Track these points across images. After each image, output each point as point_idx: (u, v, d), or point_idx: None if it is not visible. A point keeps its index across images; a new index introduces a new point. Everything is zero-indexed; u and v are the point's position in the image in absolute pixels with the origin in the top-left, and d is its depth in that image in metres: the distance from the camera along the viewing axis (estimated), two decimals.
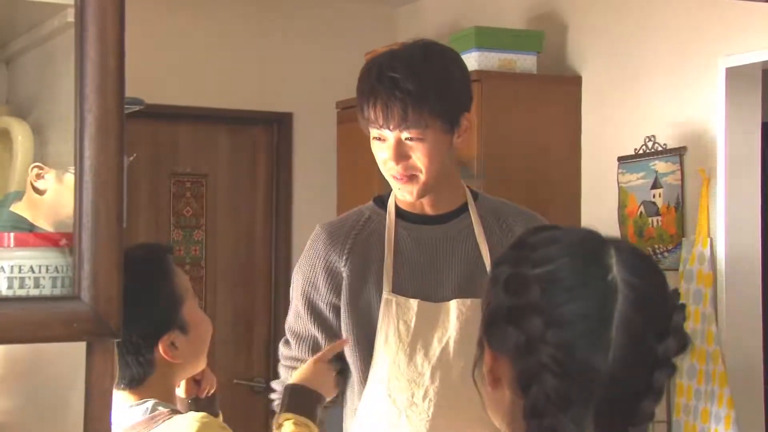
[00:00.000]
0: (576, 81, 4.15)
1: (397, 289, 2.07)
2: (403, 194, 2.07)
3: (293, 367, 2.13)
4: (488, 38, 4.05)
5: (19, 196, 1.16)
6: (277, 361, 5.68)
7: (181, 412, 1.78)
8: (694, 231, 3.58)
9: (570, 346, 1.11)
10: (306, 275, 2.16)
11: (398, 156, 2.01)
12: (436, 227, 2.11)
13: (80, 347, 1.06)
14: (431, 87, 1.97)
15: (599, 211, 4.00)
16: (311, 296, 2.14)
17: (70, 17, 1.07)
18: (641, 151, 3.82)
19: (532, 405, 1.11)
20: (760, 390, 3.53)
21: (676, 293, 1.18)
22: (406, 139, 2.01)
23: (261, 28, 4.95)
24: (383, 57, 2.03)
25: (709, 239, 3.50)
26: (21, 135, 1.17)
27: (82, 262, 1.04)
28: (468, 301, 2.05)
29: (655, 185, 3.76)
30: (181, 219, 4.92)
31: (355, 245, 2.11)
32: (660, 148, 3.75)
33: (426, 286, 2.09)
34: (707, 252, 3.49)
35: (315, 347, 2.12)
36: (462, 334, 2.03)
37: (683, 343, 1.15)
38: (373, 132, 2.05)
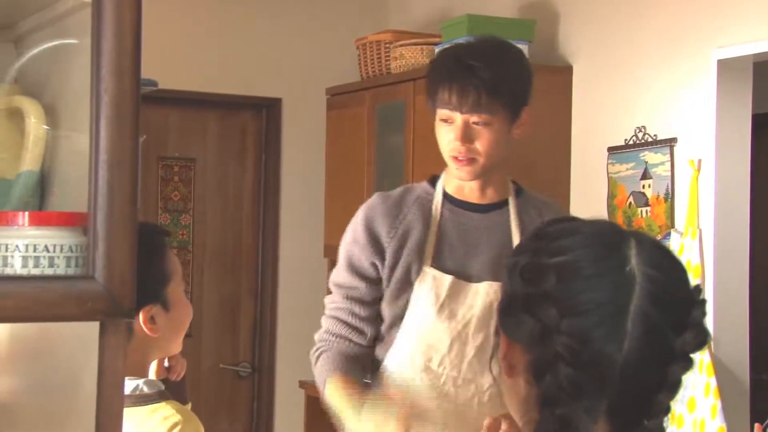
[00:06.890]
0: (567, 71, 4.16)
1: (435, 264, 2.26)
2: (459, 173, 2.24)
3: (336, 317, 2.32)
4: (480, 26, 4.05)
5: (32, 176, 1.16)
6: (262, 346, 5.65)
7: (167, 396, 1.81)
8: (683, 222, 3.60)
9: (584, 336, 1.10)
10: (354, 237, 2.33)
11: (464, 138, 2.19)
12: (477, 215, 2.30)
13: (92, 327, 1.06)
14: (505, 77, 2.18)
15: (588, 201, 4.01)
16: (353, 252, 2.32)
17: None
18: (631, 142, 3.83)
19: (545, 393, 1.11)
20: (746, 380, 3.56)
21: (698, 289, 1.16)
22: (473, 122, 2.19)
23: (251, 13, 4.94)
24: (461, 47, 2.26)
25: (698, 230, 3.52)
26: (33, 114, 1.16)
27: (96, 242, 1.04)
28: (496, 284, 2.23)
29: (645, 176, 3.77)
30: (169, 203, 4.91)
31: (403, 222, 2.29)
32: (650, 139, 3.76)
33: (461, 267, 2.26)
34: (696, 243, 3.51)
35: (356, 295, 2.30)
36: (484, 312, 2.22)
37: (701, 338, 1.14)
38: (442, 113, 2.22)
